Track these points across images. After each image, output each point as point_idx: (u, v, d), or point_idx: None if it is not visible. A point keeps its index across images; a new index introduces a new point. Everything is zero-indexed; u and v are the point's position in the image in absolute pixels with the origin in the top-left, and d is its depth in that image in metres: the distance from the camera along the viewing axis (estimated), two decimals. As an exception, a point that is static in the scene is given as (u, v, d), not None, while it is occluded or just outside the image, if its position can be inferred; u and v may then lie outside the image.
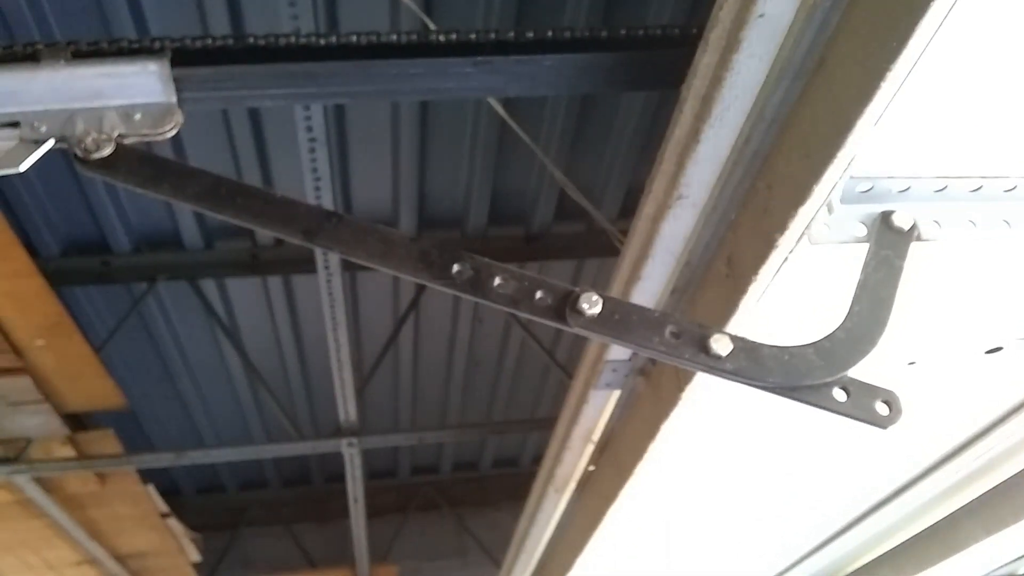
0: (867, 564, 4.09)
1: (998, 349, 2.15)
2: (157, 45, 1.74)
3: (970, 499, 3.21)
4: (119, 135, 1.70)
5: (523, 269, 1.55)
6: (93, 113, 1.70)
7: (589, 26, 3.30)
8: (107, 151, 1.66)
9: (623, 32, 1.88)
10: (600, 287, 1.55)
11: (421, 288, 5.48)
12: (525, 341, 6.26)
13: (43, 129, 1.69)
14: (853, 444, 2.67)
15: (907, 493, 3.18)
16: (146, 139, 1.73)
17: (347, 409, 5.01)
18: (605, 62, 1.88)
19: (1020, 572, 4.26)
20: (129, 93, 1.73)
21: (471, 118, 4.53)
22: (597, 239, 5.25)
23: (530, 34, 1.86)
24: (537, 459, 3.44)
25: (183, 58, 1.75)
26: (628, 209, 5.10)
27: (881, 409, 1.45)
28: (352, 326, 5.65)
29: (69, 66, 1.71)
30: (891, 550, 3.85)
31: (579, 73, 1.89)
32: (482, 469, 8.71)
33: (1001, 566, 4.14)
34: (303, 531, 8.41)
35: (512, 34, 1.86)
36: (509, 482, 8.21)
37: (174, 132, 1.74)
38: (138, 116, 1.72)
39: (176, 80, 1.74)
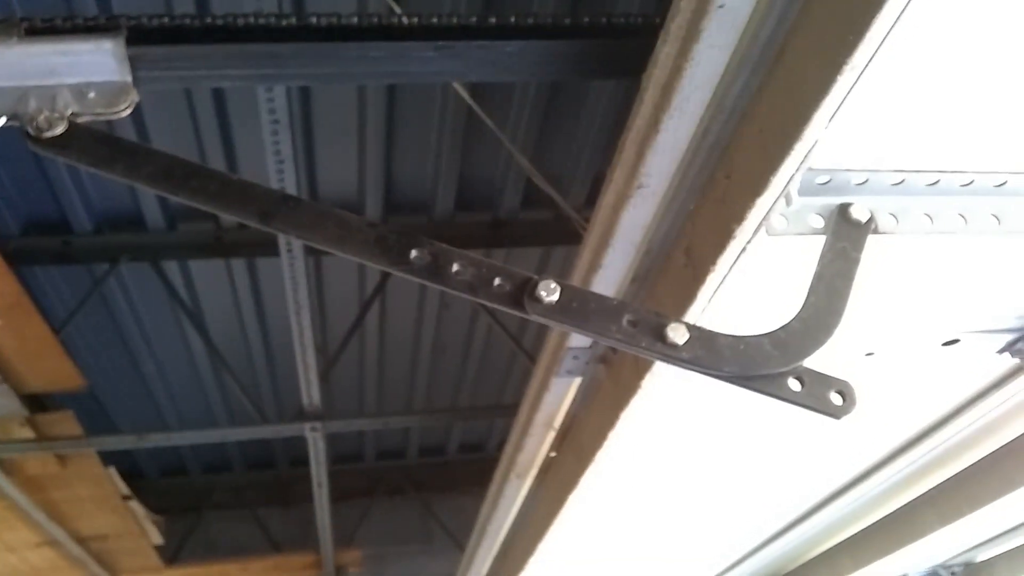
0: (826, 551, 4.15)
1: (955, 341, 2.17)
2: (112, 23, 1.71)
3: (927, 489, 3.26)
4: (72, 113, 1.67)
5: (489, 256, 1.54)
6: (46, 91, 1.67)
7: (554, 13, 3.30)
8: (60, 129, 1.64)
9: (586, 20, 1.88)
10: (566, 275, 1.56)
11: (387, 273, 5.44)
12: (492, 327, 6.25)
13: (-6, 106, 1.66)
14: (812, 433, 2.70)
15: (865, 482, 3.22)
16: (100, 118, 1.70)
17: (311, 393, 4.99)
18: (568, 49, 1.88)
19: (977, 560, 4.32)
20: (83, 71, 1.70)
21: (438, 103, 4.50)
22: (564, 226, 5.23)
23: (493, 20, 1.85)
24: (503, 445, 3.45)
25: (139, 36, 1.72)
26: (595, 197, 5.08)
27: (835, 399, 1.46)
28: (317, 310, 5.62)
29: (22, 43, 1.67)
30: (849, 538, 3.90)
31: (541, 60, 1.89)
32: (448, 454, 8.71)
33: (958, 554, 4.21)
34: (267, 515, 8.38)
35: (475, 19, 1.85)
36: (475, 467, 8.20)
37: (129, 111, 1.71)
38: (92, 94, 1.70)
39: (132, 59, 1.71)
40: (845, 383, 1.47)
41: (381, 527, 8.51)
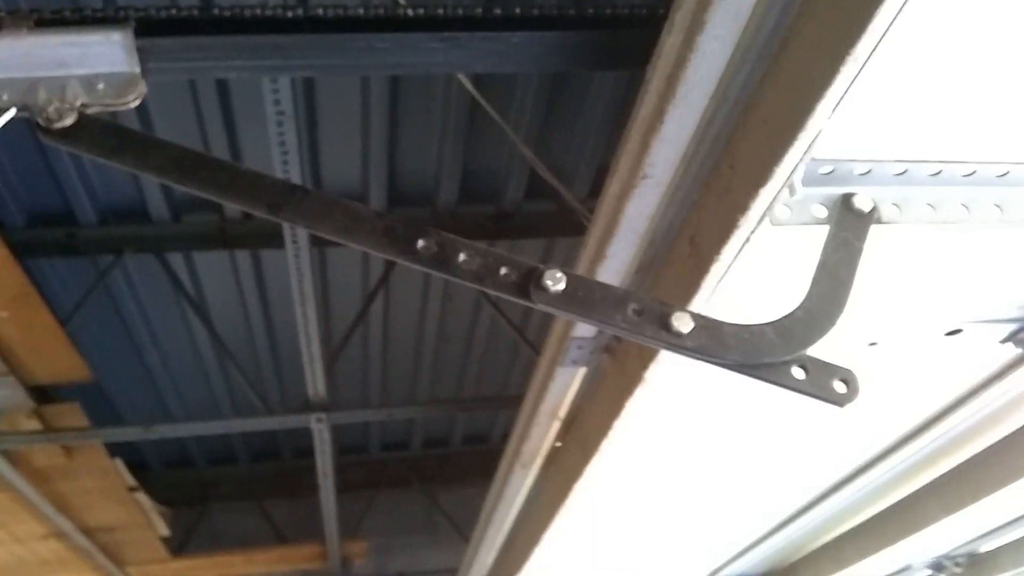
0: (830, 541, 4.16)
1: (958, 331, 2.18)
2: (121, 15, 1.73)
3: (930, 479, 3.27)
4: (82, 104, 1.68)
5: (493, 247, 1.55)
6: (56, 82, 1.69)
7: (558, 4, 3.30)
8: (69, 120, 1.65)
9: (591, 11, 1.89)
10: (570, 266, 1.57)
11: (391, 264, 5.47)
12: (495, 318, 6.26)
13: (4, 97, 1.68)
14: (816, 423, 2.71)
15: (869, 472, 3.23)
16: (109, 109, 1.71)
17: (316, 384, 5.00)
18: (572, 40, 1.89)
19: (981, 551, 4.33)
20: (92, 62, 1.71)
21: (442, 95, 4.50)
22: (567, 218, 5.24)
23: (498, 11, 1.86)
24: (507, 436, 3.46)
25: (147, 28, 1.74)
26: (599, 189, 5.08)
27: (839, 387, 1.48)
28: (321, 301, 5.62)
29: (32, 34, 1.69)
30: (853, 528, 3.92)
31: (546, 50, 1.90)
32: (452, 446, 8.72)
33: (961, 545, 4.22)
34: (273, 506, 8.38)
35: (480, 10, 1.86)
36: (479, 459, 8.20)
37: (137, 102, 1.72)
38: (101, 86, 1.71)
39: (140, 50, 1.72)
40: (848, 371, 1.49)
41: (385, 518, 8.52)
